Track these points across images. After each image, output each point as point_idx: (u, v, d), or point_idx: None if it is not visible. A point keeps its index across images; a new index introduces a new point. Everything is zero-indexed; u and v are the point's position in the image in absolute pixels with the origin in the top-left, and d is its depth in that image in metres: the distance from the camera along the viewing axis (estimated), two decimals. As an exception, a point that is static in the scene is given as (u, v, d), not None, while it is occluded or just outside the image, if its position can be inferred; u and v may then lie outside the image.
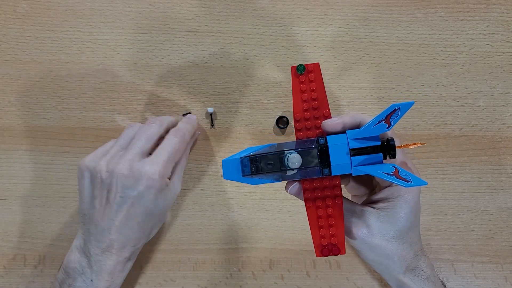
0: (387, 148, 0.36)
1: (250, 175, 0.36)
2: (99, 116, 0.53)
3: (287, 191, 0.39)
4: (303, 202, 0.39)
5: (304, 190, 0.38)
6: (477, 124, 0.53)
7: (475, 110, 0.53)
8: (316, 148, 0.36)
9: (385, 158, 0.36)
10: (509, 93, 0.53)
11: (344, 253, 0.38)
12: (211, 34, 0.53)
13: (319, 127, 0.38)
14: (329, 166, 0.36)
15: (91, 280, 0.42)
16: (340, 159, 0.36)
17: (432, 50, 0.53)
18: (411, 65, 0.53)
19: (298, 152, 0.36)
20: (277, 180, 0.37)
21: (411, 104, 0.34)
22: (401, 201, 0.40)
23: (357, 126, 0.38)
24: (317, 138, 0.37)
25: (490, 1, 0.54)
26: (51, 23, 0.53)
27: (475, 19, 0.54)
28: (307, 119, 0.38)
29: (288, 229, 0.52)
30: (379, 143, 0.36)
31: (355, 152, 0.36)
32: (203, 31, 0.53)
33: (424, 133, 0.53)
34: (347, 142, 0.36)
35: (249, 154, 0.36)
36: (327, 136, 0.37)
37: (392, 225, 0.40)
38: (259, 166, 0.36)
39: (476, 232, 0.53)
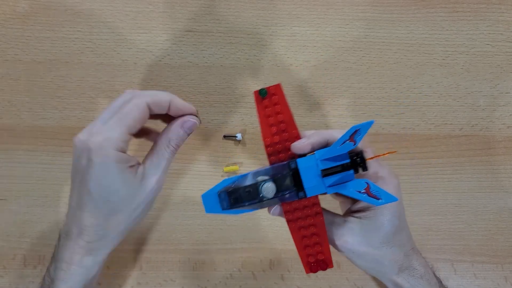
0: (357, 163, 0.36)
1: (229, 208, 0.37)
2: (99, 116, 0.53)
3: (269, 213, 0.40)
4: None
5: (285, 212, 0.38)
6: (477, 124, 0.53)
7: (475, 110, 0.53)
8: (288, 174, 0.37)
9: (357, 172, 0.37)
10: (509, 93, 0.53)
11: (332, 267, 0.39)
12: (211, 34, 0.53)
13: (290, 149, 0.38)
14: (304, 189, 0.37)
15: (54, 269, 0.40)
16: (312, 181, 0.36)
17: (432, 50, 0.53)
18: (411, 65, 0.53)
19: (272, 180, 0.36)
20: (257, 208, 0.37)
21: (371, 123, 0.34)
22: (382, 207, 0.40)
23: (326, 144, 0.38)
24: (288, 162, 0.37)
25: (490, 1, 0.54)
26: (51, 23, 0.53)
27: (475, 19, 0.54)
28: (277, 143, 0.38)
29: (288, 229, 0.52)
30: (348, 160, 0.36)
31: (326, 172, 0.36)
32: (203, 31, 0.53)
33: (424, 133, 0.53)
34: (316, 163, 0.36)
35: (225, 188, 0.37)
36: (297, 160, 0.37)
37: (377, 232, 0.40)
38: (237, 198, 0.36)
39: (476, 232, 0.53)
